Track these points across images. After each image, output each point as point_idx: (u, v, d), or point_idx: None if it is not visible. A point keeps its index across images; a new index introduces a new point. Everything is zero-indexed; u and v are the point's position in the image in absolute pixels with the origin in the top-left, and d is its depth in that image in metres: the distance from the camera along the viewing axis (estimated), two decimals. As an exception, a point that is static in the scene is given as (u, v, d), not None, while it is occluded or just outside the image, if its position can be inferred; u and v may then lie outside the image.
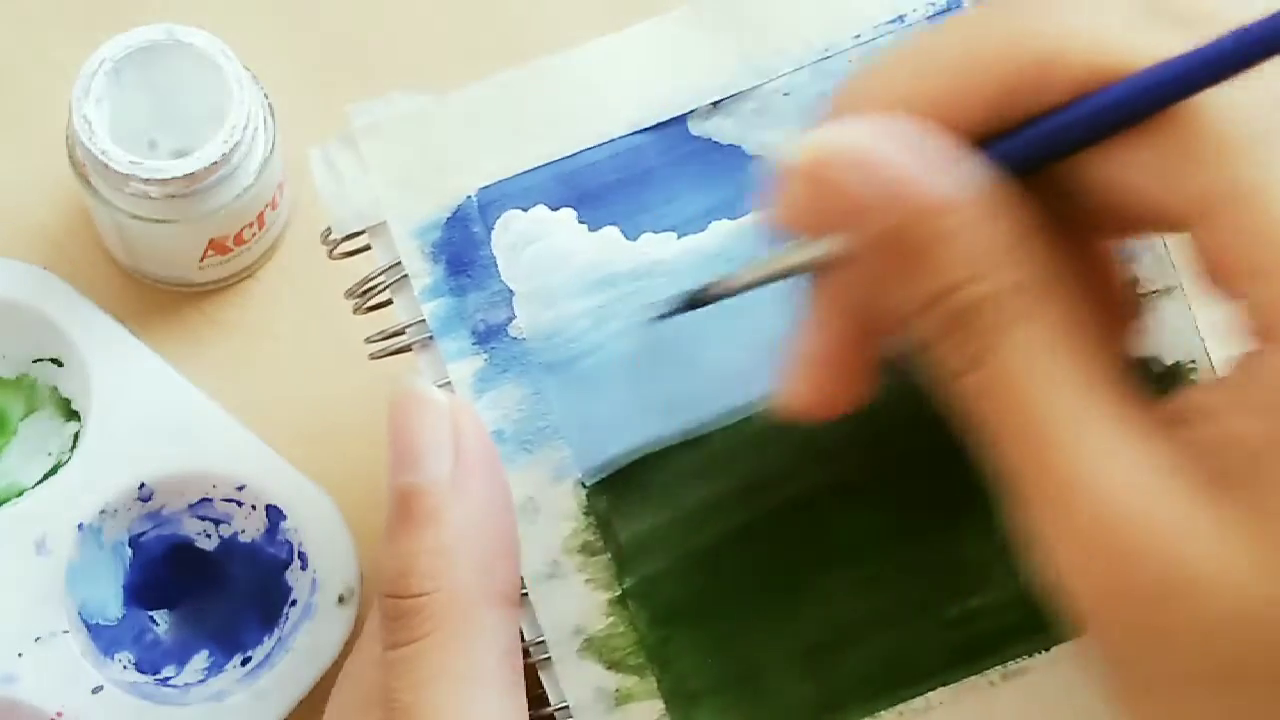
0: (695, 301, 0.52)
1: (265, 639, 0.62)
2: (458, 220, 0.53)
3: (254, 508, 0.61)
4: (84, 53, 0.58)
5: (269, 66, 0.61)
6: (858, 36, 0.53)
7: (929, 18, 0.53)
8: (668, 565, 0.52)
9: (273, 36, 0.65)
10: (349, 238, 0.53)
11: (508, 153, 0.52)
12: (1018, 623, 0.53)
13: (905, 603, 0.53)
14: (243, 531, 0.62)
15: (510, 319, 0.52)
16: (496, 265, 0.52)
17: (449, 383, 0.52)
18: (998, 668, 0.53)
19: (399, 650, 0.49)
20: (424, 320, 0.52)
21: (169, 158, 0.58)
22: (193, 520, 0.61)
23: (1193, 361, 0.53)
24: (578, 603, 0.52)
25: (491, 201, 0.52)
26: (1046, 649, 0.53)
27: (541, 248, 0.53)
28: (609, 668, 0.52)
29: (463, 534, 0.50)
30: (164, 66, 0.59)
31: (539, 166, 0.53)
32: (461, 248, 0.53)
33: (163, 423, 0.61)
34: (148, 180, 0.57)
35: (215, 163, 0.57)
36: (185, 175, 0.57)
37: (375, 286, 0.53)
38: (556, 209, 0.53)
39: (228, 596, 0.63)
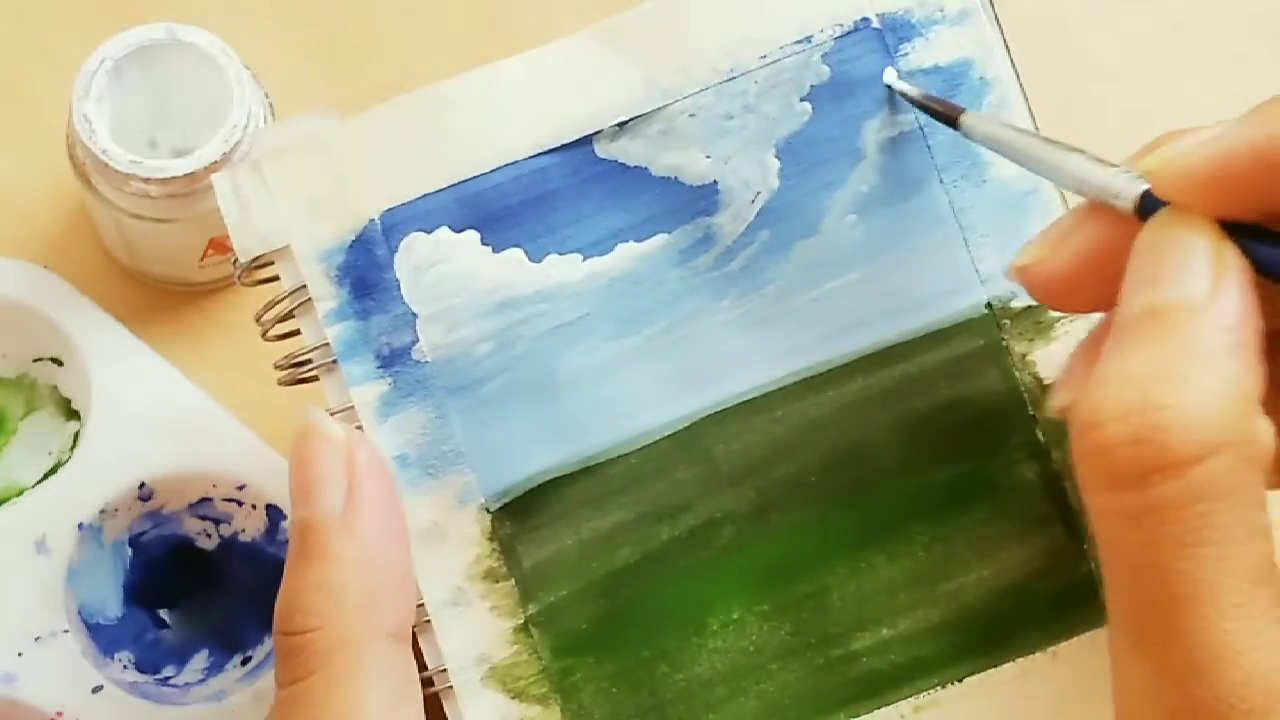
0: (930, 107, 0.53)
1: (265, 638, 0.63)
2: (362, 243, 0.54)
3: (254, 507, 0.63)
4: (84, 51, 0.60)
5: (269, 65, 0.62)
6: (764, 57, 0.54)
7: (835, 39, 0.54)
8: (570, 593, 0.54)
9: (273, 35, 0.66)
10: (257, 264, 0.54)
11: (412, 175, 0.54)
12: (929, 654, 0.54)
13: (812, 634, 0.54)
14: (243, 531, 0.63)
15: (414, 342, 0.54)
16: (400, 288, 0.54)
17: (352, 407, 0.53)
18: (909, 700, 0.54)
19: (286, 689, 0.51)
20: (328, 344, 0.53)
21: (169, 157, 0.59)
22: (193, 520, 0.63)
23: None
24: (481, 631, 0.53)
25: (395, 224, 0.54)
26: (959, 681, 0.54)
27: (444, 270, 0.54)
28: (512, 697, 0.53)
29: (351, 570, 0.51)
30: (164, 65, 0.60)
31: (442, 189, 0.54)
32: (366, 271, 0.54)
33: (163, 422, 0.63)
34: (148, 179, 0.58)
35: (216, 161, 0.58)
36: (186, 174, 0.58)
37: (285, 314, 0.54)
38: (460, 231, 0.54)
39: (228, 596, 0.64)
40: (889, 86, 0.54)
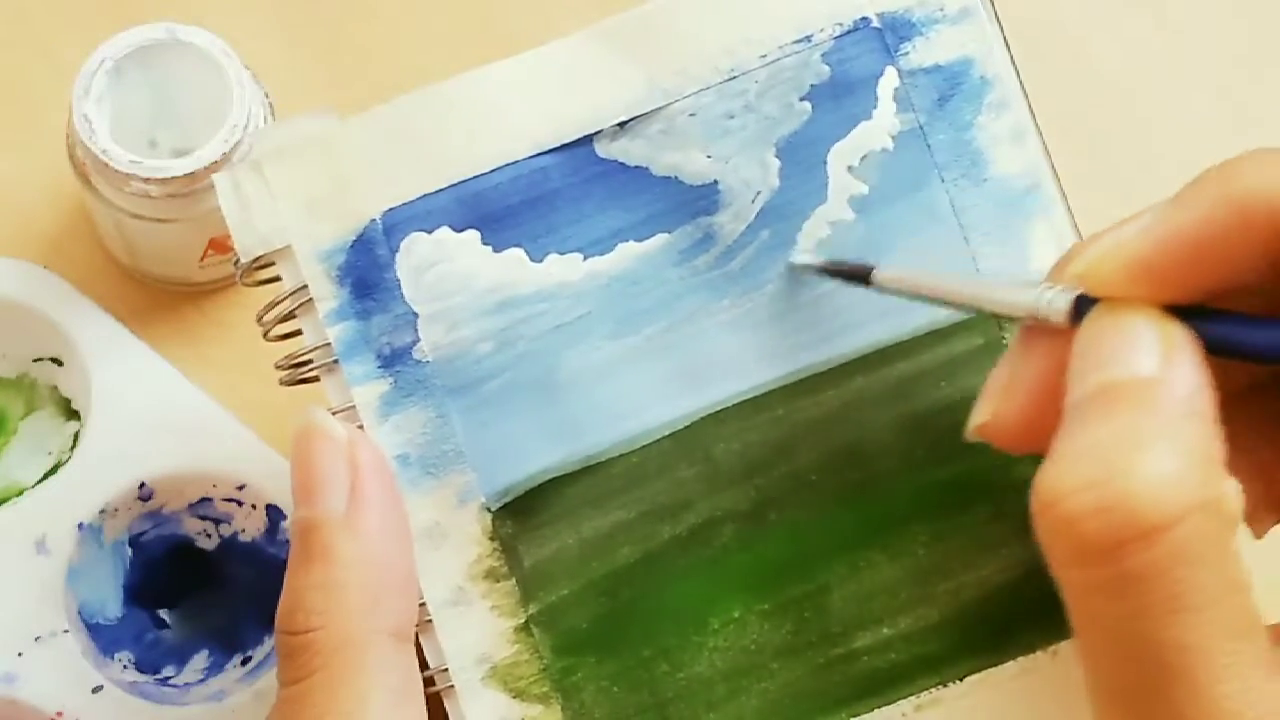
0: (840, 272, 0.53)
1: (265, 639, 0.63)
2: (363, 243, 0.54)
3: (254, 507, 0.63)
4: (84, 51, 0.60)
5: (269, 65, 0.63)
6: (764, 57, 0.54)
7: (835, 38, 0.54)
8: (571, 592, 0.54)
9: (273, 35, 0.66)
10: (258, 265, 0.54)
11: (413, 175, 0.54)
12: (930, 653, 0.54)
13: (812, 633, 0.54)
14: (243, 531, 0.63)
15: (415, 342, 0.54)
16: (401, 288, 0.54)
17: (353, 407, 0.54)
18: (910, 699, 0.54)
19: (288, 688, 0.51)
20: (329, 344, 0.54)
21: (169, 157, 0.59)
22: (193, 520, 0.63)
23: None
24: (482, 630, 0.54)
25: (396, 224, 0.54)
26: (959, 680, 0.54)
27: (445, 270, 0.54)
28: (514, 696, 0.54)
29: (353, 569, 0.51)
30: (164, 65, 0.60)
31: (443, 189, 0.54)
32: (366, 271, 0.54)
33: (163, 422, 0.63)
34: (148, 179, 0.58)
35: (216, 161, 0.58)
36: (186, 174, 0.58)
37: (286, 314, 0.54)
38: (461, 231, 0.54)
39: (228, 596, 0.64)
40: (792, 265, 0.54)
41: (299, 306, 0.54)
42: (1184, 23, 0.69)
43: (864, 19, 0.54)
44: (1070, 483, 0.42)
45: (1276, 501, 0.49)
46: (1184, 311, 0.44)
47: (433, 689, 0.53)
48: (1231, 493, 0.42)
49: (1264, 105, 0.67)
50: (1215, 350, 0.44)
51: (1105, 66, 0.68)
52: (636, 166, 0.54)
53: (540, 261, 0.54)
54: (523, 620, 0.53)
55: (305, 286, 0.54)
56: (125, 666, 0.63)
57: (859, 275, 0.52)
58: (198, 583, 0.64)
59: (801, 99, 0.54)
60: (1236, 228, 0.44)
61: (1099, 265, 0.45)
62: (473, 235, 0.54)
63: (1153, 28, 0.68)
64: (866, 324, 0.54)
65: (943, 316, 0.54)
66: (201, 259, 0.63)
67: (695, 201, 0.54)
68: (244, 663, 0.63)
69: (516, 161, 0.54)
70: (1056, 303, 0.46)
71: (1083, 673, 0.44)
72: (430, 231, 0.54)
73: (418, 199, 0.54)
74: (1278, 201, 0.44)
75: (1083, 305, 0.45)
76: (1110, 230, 0.46)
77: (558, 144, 0.54)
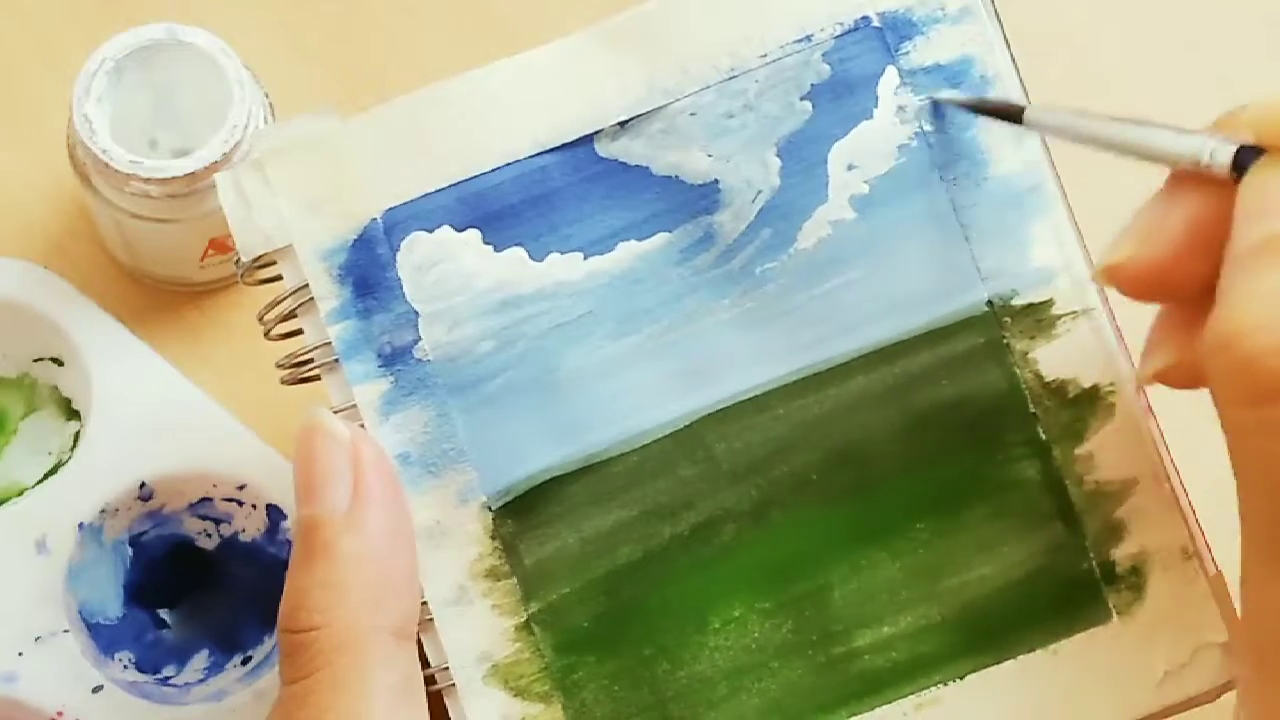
0: (990, 109, 0.53)
1: (265, 638, 0.63)
2: (364, 242, 0.54)
3: (254, 507, 0.63)
4: (85, 52, 0.60)
5: (269, 66, 0.63)
6: (764, 56, 0.54)
7: (836, 38, 0.54)
8: (572, 591, 0.54)
9: (273, 35, 0.66)
10: (259, 264, 0.54)
11: (414, 174, 0.54)
12: (930, 652, 0.54)
13: (813, 632, 0.54)
14: (243, 531, 0.63)
15: (416, 341, 0.54)
16: (402, 287, 0.54)
17: (355, 406, 0.54)
18: (910, 697, 0.54)
19: (290, 687, 0.51)
20: (330, 343, 0.54)
21: (170, 157, 0.59)
22: (193, 520, 0.63)
23: (1111, 384, 0.54)
24: (483, 629, 0.54)
25: (397, 223, 0.54)
26: (960, 678, 0.54)
27: (446, 269, 0.54)
28: (515, 695, 0.54)
29: (356, 567, 0.51)
30: (165, 66, 0.60)
31: (444, 188, 0.54)
32: (368, 270, 0.54)
33: (163, 422, 0.63)
34: (148, 179, 0.58)
35: (216, 162, 0.58)
36: (186, 174, 0.58)
37: (287, 313, 0.55)
38: (462, 230, 0.54)
39: (228, 596, 0.64)
40: (937, 102, 0.54)
41: (300, 305, 0.54)
42: (1184, 22, 0.69)
43: (864, 18, 0.54)
44: (1249, 323, 0.42)
45: None
46: None
47: (434, 687, 0.53)
48: None
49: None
50: None
51: (1105, 65, 0.68)
52: (637, 166, 0.54)
53: (541, 261, 0.54)
54: (524, 619, 0.53)
55: (306, 285, 0.54)
56: (125, 666, 0.63)
57: (1010, 114, 0.52)
58: (198, 583, 0.64)
59: (802, 98, 0.54)
60: None
61: (1269, 115, 0.45)
62: (474, 234, 0.54)
63: (1152, 27, 0.69)
64: (867, 323, 0.54)
65: (943, 316, 0.54)
66: (201, 259, 0.63)
67: (696, 201, 0.54)
68: (244, 662, 0.63)
69: (517, 161, 0.54)
70: (1220, 152, 0.46)
71: (1241, 522, 0.44)
72: (431, 230, 0.54)
73: (419, 198, 0.54)
74: None
75: (1245, 156, 0.46)
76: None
77: (558, 143, 0.54)
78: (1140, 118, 0.49)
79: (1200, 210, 0.47)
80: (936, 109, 0.54)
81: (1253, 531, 0.44)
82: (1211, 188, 0.47)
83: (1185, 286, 0.47)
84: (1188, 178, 0.47)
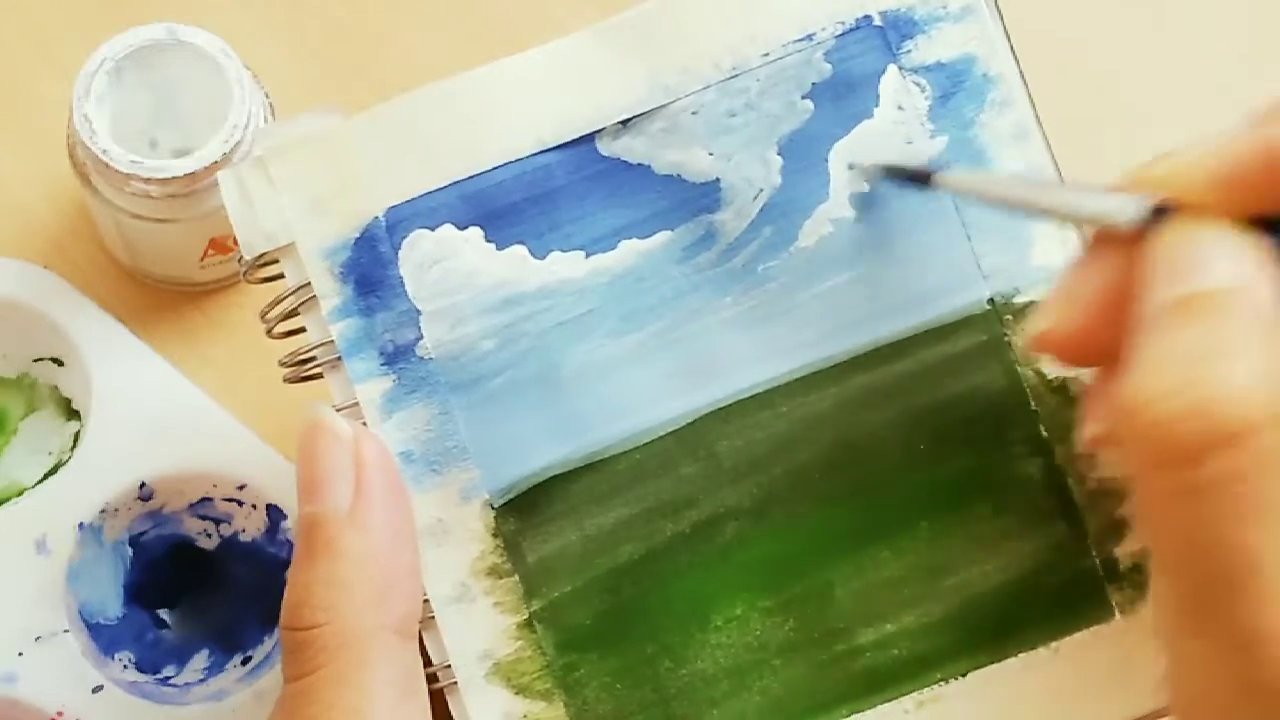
0: (908, 174, 0.53)
1: (265, 638, 0.63)
2: (366, 240, 0.54)
3: (254, 507, 0.63)
4: (85, 52, 0.60)
5: (270, 65, 0.63)
6: (766, 55, 0.54)
7: (837, 36, 0.54)
8: (574, 589, 0.54)
9: (274, 35, 0.66)
10: (262, 262, 0.54)
11: (415, 172, 0.54)
12: (932, 649, 0.54)
13: (815, 629, 0.54)
14: (243, 531, 0.63)
15: (418, 339, 0.54)
16: (404, 285, 0.54)
17: (357, 404, 0.54)
18: (912, 695, 0.54)
19: (292, 684, 0.51)
20: (333, 341, 0.54)
21: (170, 157, 0.59)
22: (193, 520, 0.63)
23: None
24: (485, 627, 0.54)
25: (399, 221, 0.54)
26: (962, 676, 0.54)
27: (448, 267, 0.54)
28: (516, 693, 0.54)
29: (359, 565, 0.51)
30: (165, 66, 0.60)
31: (446, 186, 0.54)
32: (370, 268, 0.54)
33: (163, 422, 0.63)
34: (148, 179, 0.58)
35: (216, 162, 0.58)
36: (186, 175, 0.58)
37: (289, 312, 0.55)
38: (463, 228, 0.54)
39: (228, 596, 0.64)
40: (852, 165, 0.54)
41: (302, 304, 0.54)
42: (1184, 21, 0.69)
43: (866, 17, 0.54)
44: (1158, 388, 0.42)
45: None
46: (1265, 223, 0.44)
47: (436, 685, 0.53)
48: None
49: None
50: None
51: (1107, 65, 0.68)
52: (639, 164, 0.54)
53: (543, 259, 0.54)
54: (525, 617, 0.53)
55: (308, 284, 0.54)
56: (125, 666, 0.63)
57: (920, 177, 0.53)
58: (198, 583, 0.64)
59: (803, 97, 0.54)
60: None
61: (1182, 172, 0.45)
62: (476, 232, 0.54)
63: (1153, 26, 0.69)
64: (869, 321, 0.54)
65: (944, 314, 0.54)
66: (202, 259, 0.63)
67: (697, 199, 0.54)
68: (244, 662, 0.63)
69: (519, 159, 0.54)
70: (1127, 210, 0.46)
71: (1153, 584, 0.44)
72: (433, 229, 0.54)
73: (421, 196, 0.54)
74: None
75: (1158, 213, 0.45)
76: (1191, 142, 0.46)
77: (560, 142, 0.54)
78: (1052, 180, 0.48)
79: (1118, 271, 0.47)
80: (851, 172, 0.54)
81: (1166, 590, 0.44)
82: (1125, 249, 0.46)
83: (1110, 351, 0.47)
84: (1105, 239, 0.47)
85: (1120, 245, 0.46)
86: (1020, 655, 0.53)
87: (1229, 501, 0.41)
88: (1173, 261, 0.44)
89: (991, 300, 0.54)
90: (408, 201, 0.54)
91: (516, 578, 0.53)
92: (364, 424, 0.53)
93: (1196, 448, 0.41)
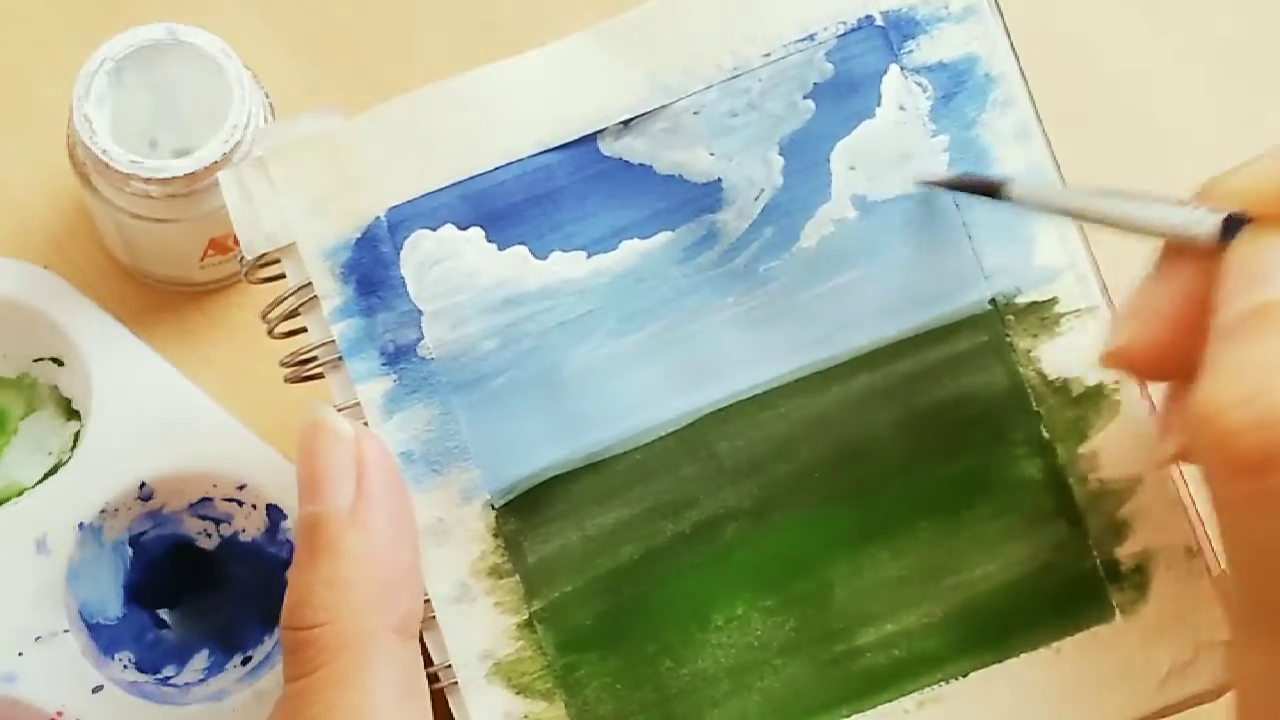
0: (970, 186, 0.53)
1: (265, 638, 0.63)
2: (367, 240, 0.54)
3: (254, 507, 0.63)
4: (85, 52, 0.60)
5: (269, 65, 0.63)
6: (767, 55, 0.54)
7: (839, 36, 0.54)
8: (575, 589, 0.54)
9: (273, 35, 0.66)
10: (263, 262, 0.54)
11: (416, 173, 0.54)
12: (933, 650, 0.54)
13: (815, 630, 0.54)
14: (243, 531, 0.63)
15: (419, 339, 0.54)
16: (405, 285, 0.54)
17: (358, 404, 0.54)
18: (912, 695, 0.54)
19: (293, 684, 0.51)
20: (334, 341, 0.54)
21: (170, 157, 0.59)
22: (193, 520, 0.63)
23: (1115, 383, 0.54)
24: (486, 627, 0.54)
25: (400, 221, 0.54)
26: (962, 676, 0.54)
27: (449, 267, 0.54)
28: (517, 693, 0.54)
29: (360, 565, 0.51)
30: (165, 66, 0.60)
31: (447, 186, 0.54)
32: (371, 268, 0.54)
33: (163, 422, 0.63)
34: (148, 180, 0.58)
35: (216, 162, 0.58)
36: (186, 175, 0.58)
37: (290, 312, 0.55)
38: (465, 228, 0.54)
39: (228, 596, 0.64)
40: (918, 180, 0.54)
41: (303, 304, 0.54)
42: (1185, 21, 0.69)
43: (868, 17, 0.54)
44: (1229, 397, 0.42)
45: None
46: None
47: (436, 685, 0.53)
48: None
49: (1265, 102, 0.67)
50: None
51: (1108, 65, 0.68)
52: (640, 164, 0.54)
53: (544, 259, 0.54)
54: (526, 617, 0.53)
55: (309, 284, 0.54)
56: (125, 666, 0.63)
57: (990, 189, 0.52)
58: (198, 583, 0.64)
59: (805, 97, 0.54)
60: None
61: (1257, 184, 0.45)
62: (477, 233, 0.54)
63: (1153, 26, 0.68)
64: (870, 321, 0.54)
65: (946, 314, 0.53)
66: (201, 259, 0.63)
67: (699, 199, 0.54)
68: (244, 662, 0.63)
69: (520, 159, 0.54)
70: (1204, 222, 0.46)
71: (1231, 592, 0.44)
72: (434, 229, 0.54)
73: (422, 196, 0.54)
74: None
75: (1232, 225, 0.45)
76: (1266, 153, 0.46)
77: (562, 142, 0.54)
78: (1124, 190, 0.48)
79: (1192, 284, 0.47)
80: (920, 189, 0.54)
81: (1239, 600, 0.44)
82: (1202, 260, 0.46)
83: (1185, 365, 0.46)
84: (1178, 251, 0.47)
85: (1194, 258, 0.46)
86: (1021, 656, 0.53)
87: None
88: (1247, 272, 0.44)
89: (993, 300, 0.53)
90: (409, 201, 0.53)
91: (517, 578, 0.53)
92: (365, 424, 0.53)
93: (1265, 457, 0.41)
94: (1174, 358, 0.47)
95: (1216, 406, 0.42)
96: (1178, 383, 0.48)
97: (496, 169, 0.54)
